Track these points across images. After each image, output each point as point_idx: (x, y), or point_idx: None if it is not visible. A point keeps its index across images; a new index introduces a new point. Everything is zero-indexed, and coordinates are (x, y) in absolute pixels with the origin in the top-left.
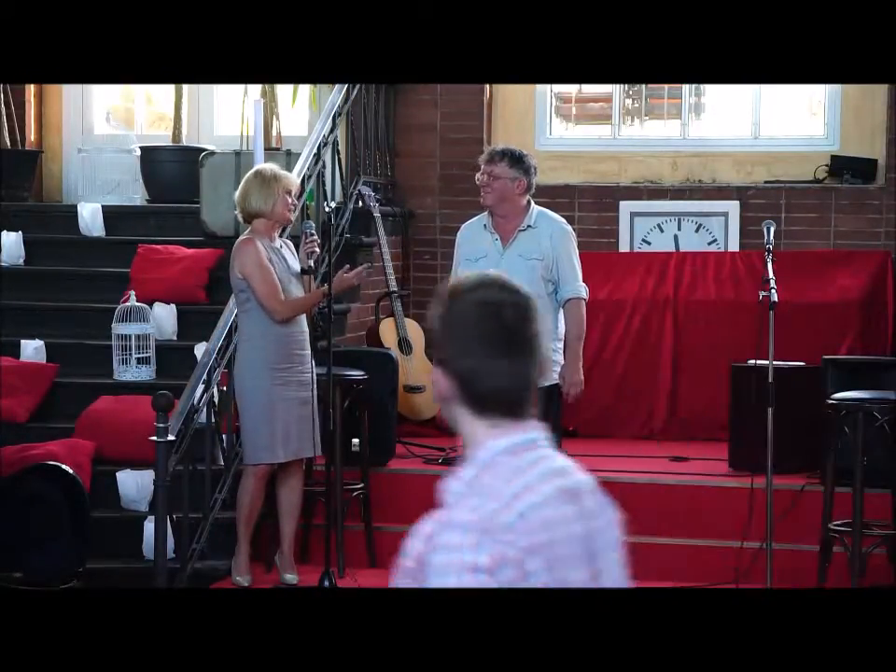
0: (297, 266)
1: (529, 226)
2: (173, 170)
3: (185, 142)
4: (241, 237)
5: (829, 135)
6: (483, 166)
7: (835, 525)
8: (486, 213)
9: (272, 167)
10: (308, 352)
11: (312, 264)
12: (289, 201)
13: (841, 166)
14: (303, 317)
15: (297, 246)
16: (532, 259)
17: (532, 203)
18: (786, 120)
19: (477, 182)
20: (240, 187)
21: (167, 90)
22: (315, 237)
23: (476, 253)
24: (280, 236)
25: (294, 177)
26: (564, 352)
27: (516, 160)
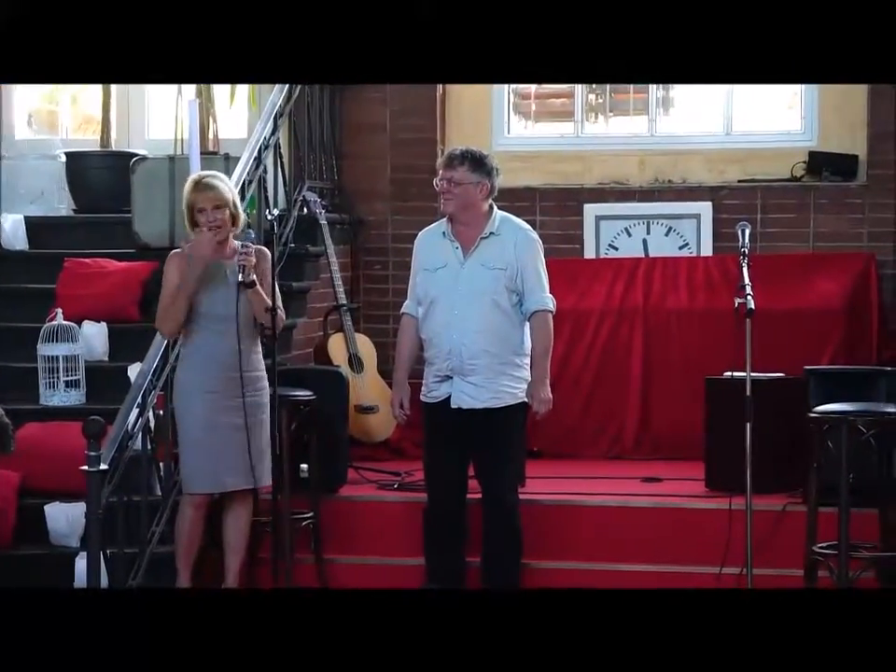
0: (231, 281)
1: (492, 233)
2: (101, 177)
3: (114, 147)
4: (173, 250)
5: (806, 130)
6: (441, 171)
7: (820, 548)
8: (445, 219)
9: (193, 178)
10: (257, 374)
11: (251, 277)
12: (202, 220)
13: (820, 163)
14: (241, 335)
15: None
16: (495, 268)
17: (494, 208)
18: (760, 115)
19: (436, 188)
20: None
21: (94, 90)
22: (249, 248)
23: (435, 263)
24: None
25: (206, 191)
26: (530, 367)
27: (477, 162)
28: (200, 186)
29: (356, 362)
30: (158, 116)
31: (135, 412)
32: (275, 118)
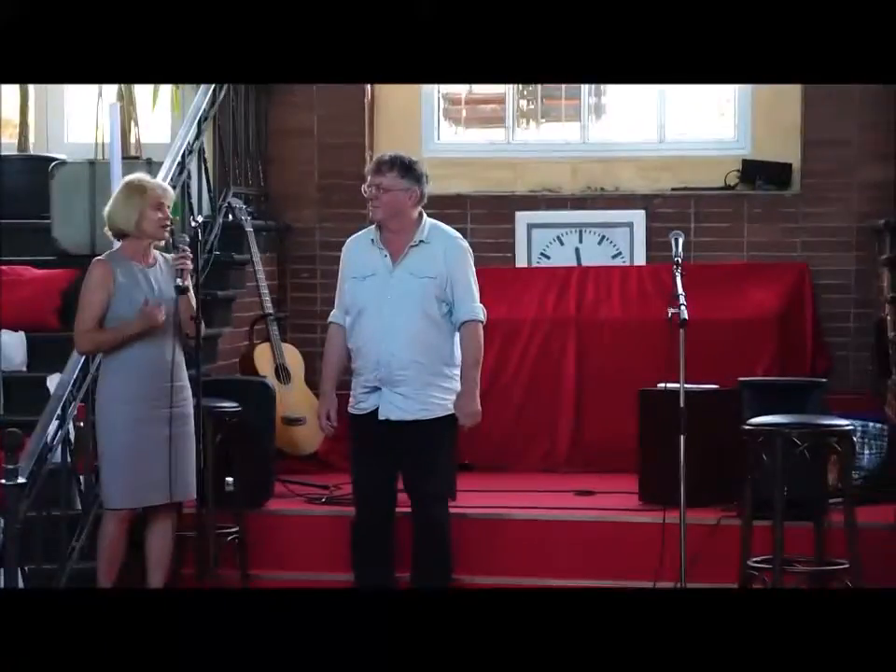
0: (165, 288)
1: (422, 241)
2: (19, 181)
3: (32, 150)
4: (96, 257)
5: (740, 138)
6: (370, 177)
7: (755, 562)
8: (374, 226)
9: (140, 178)
10: (182, 384)
11: (185, 282)
12: (158, 216)
13: (753, 171)
14: (174, 345)
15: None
16: (424, 277)
17: (424, 215)
18: (694, 122)
19: (364, 195)
20: (110, 200)
21: (11, 92)
22: (187, 252)
23: (363, 271)
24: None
25: (167, 189)
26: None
27: (407, 169)
28: (154, 186)
29: (282, 373)
30: (78, 119)
31: (55, 423)
32: (199, 122)
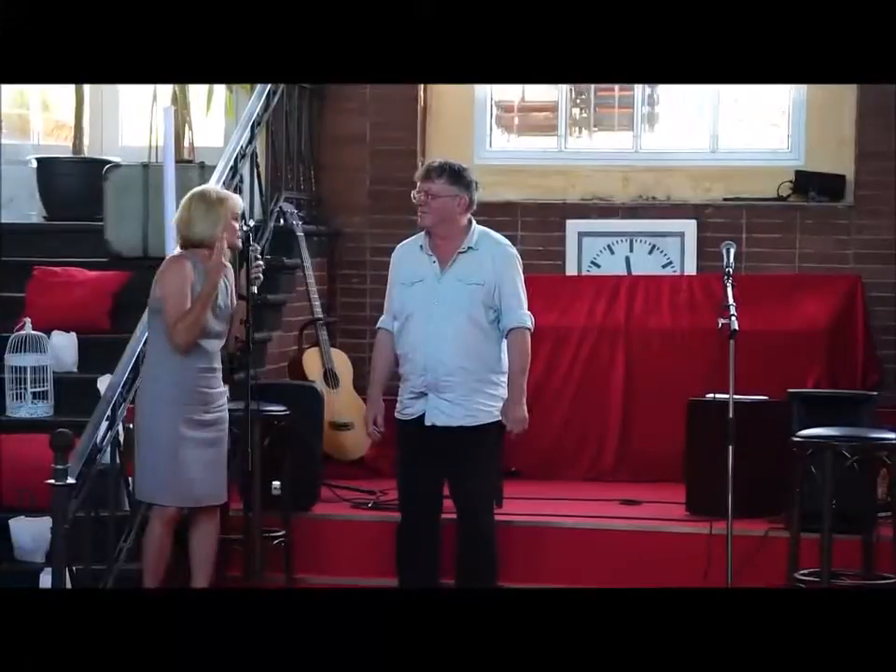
0: (226, 298)
1: (470, 248)
2: (73, 184)
3: (87, 153)
4: (172, 254)
5: (793, 149)
6: (419, 183)
7: (802, 575)
8: (423, 233)
9: (216, 189)
10: (219, 390)
11: (254, 290)
12: (237, 226)
13: (806, 182)
14: (217, 353)
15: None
16: (472, 283)
17: (473, 222)
18: (746, 132)
19: (413, 201)
20: (180, 211)
21: (67, 95)
22: (261, 261)
23: (412, 277)
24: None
25: (239, 198)
26: (507, 386)
27: (456, 175)
28: (230, 196)
29: (331, 377)
30: (131, 123)
31: (104, 424)
32: (252, 126)
